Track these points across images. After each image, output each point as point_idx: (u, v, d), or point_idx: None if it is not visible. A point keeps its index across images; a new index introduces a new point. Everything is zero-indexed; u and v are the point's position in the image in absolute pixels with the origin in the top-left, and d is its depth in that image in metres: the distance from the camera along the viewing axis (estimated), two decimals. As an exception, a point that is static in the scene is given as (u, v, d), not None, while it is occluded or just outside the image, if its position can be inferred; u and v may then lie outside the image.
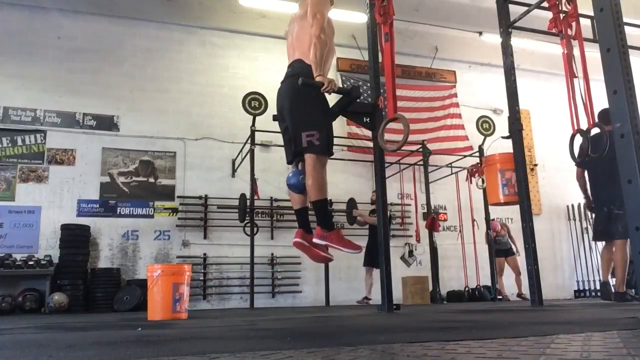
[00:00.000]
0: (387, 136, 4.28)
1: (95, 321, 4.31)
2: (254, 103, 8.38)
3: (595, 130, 4.54)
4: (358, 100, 4.17)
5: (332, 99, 3.79)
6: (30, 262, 7.76)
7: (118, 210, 8.98)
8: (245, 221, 8.47)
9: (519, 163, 5.29)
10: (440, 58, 11.56)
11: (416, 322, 2.95)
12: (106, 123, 9.27)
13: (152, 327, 3.17)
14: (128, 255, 8.85)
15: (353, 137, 9.88)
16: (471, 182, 9.60)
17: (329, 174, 9.43)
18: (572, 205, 11.98)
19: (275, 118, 3.64)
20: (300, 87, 3.21)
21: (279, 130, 3.63)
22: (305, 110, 3.25)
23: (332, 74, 10.57)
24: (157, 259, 8.84)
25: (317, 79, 3.13)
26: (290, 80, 3.34)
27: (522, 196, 5.23)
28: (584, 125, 4.63)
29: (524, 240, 5.24)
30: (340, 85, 9.81)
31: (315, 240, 3.28)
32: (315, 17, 3.26)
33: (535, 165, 11.95)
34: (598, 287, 11.41)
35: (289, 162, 3.54)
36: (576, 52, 4.89)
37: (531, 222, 5.12)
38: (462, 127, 11.21)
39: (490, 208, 9.65)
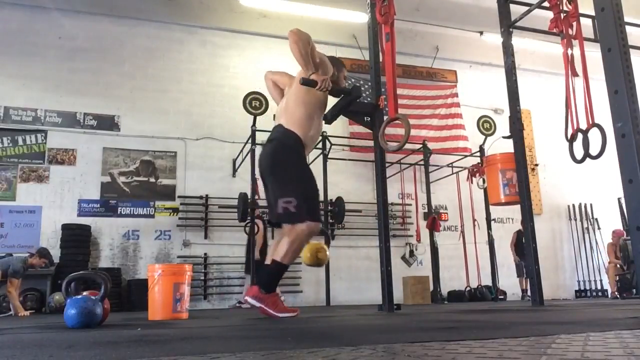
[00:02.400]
0: (387, 137, 4.28)
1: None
2: (254, 103, 8.38)
3: (594, 131, 4.53)
4: (359, 100, 4.16)
5: (332, 98, 3.80)
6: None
7: (119, 210, 8.99)
8: (246, 221, 8.46)
9: (520, 163, 5.29)
10: (441, 58, 11.56)
11: (417, 322, 2.95)
12: (107, 123, 9.27)
13: (153, 327, 3.17)
14: (129, 255, 8.85)
15: (355, 136, 9.87)
16: (472, 182, 9.60)
17: (330, 174, 9.46)
18: (573, 205, 11.98)
19: (260, 175, 3.54)
20: (280, 152, 3.15)
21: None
22: (281, 176, 3.17)
23: (333, 73, 10.56)
24: (158, 259, 8.85)
25: (312, 77, 3.09)
26: (269, 145, 3.29)
27: (523, 196, 5.23)
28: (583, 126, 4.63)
29: (525, 240, 5.24)
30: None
31: (248, 298, 3.14)
32: (291, 34, 3.18)
33: (536, 165, 11.94)
34: (599, 287, 11.43)
35: (268, 222, 3.43)
36: (577, 51, 4.88)
37: (532, 222, 5.12)
38: (462, 127, 11.21)
39: (491, 208, 9.65)
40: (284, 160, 3.18)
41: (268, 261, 3.25)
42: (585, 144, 4.61)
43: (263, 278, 3.16)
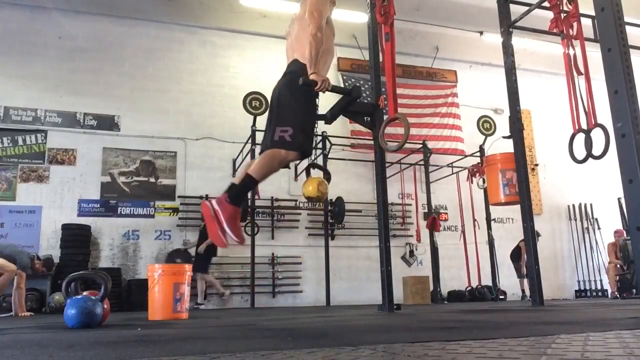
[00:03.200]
0: (387, 136, 4.28)
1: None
2: (254, 103, 8.39)
3: (597, 130, 4.53)
4: (359, 100, 4.16)
5: (333, 98, 3.79)
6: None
7: (119, 210, 8.98)
8: (246, 221, 8.47)
9: (520, 163, 5.29)
10: (441, 58, 11.55)
11: (417, 322, 2.95)
12: (107, 123, 9.27)
13: (153, 327, 3.17)
14: (129, 255, 8.85)
15: (357, 135, 9.85)
16: (472, 182, 9.60)
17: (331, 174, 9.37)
18: (573, 205, 11.97)
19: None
20: (292, 85, 3.19)
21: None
22: (285, 107, 3.20)
23: (333, 73, 10.57)
24: (158, 259, 8.84)
25: (311, 77, 3.11)
26: (284, 78, 3.33)
27: (523, 196, 5.23)
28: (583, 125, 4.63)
29: (525, 240, 5.25)
30: (342, 85, 9.89)
31: (212, 201, 3.01)
32: (312, 15, 3.24)
33: (536, 165, 11.94)
34: (599, 287, 11.43)
35: (262, 149, 3.39)
36: (577, 51, 4.88)
37: (532, 222, 5.12)
38: (459, 128, 11.20)
39: (491, 208, 9.66)
40: (293, 92, 3.19)
41: (239, 178, 3.16)
42: (588, 144, 4.61)
43: (233, 188, 3.06)
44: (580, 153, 4.71)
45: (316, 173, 3.67)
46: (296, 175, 8.77)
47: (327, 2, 3.44)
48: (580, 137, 4.71)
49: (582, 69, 4.73)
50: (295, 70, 3.27)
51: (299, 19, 3.43)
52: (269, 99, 3.46)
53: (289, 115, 3.16)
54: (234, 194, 3.01)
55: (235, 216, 2.98)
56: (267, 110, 3.47)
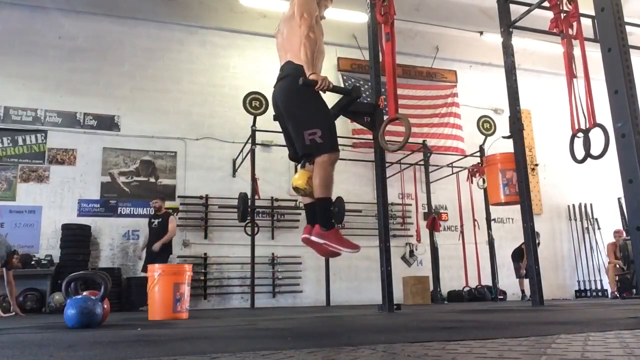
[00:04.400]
0: (387, 136, 4.28)
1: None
2: (254, 103, 8.39)
3: (596, 130, 4.54)
4: (359, 100, 4.16)
5: (332, 98, 3.79)
6: (31, 262, 7.76)
7: (119, 210, 8.98)
8: (246, 221, 8.47)
9: (520, 163, 5.29)
10: (441, 58, 11.55)
11: (417, 322, 2.95)
12: (107, 123, 9.27)
13: (153, 327, 3.17)
14: (129, 255, 8.85)
15: (358, 133, 9.84)
16: (472, 182, 9.60)
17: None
18: (573, 205, 11.97)
19: (275, 118, 3.61)
20: (294, 87, 3.19)
21: (279, 130, 3.62)
22: (303, 110, 3.21)
23: (333, 73, 10.57)
24: (158, 259, 8.83)
25: (311, 77, 3.11)
26: (282, 82, 3.32)
27: (523, 196, 5.24)
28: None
29: (525, 240, 5.25)
30: (342, 85, 9.89)
31: (313, 238, 3.23)
32: (302, 16, 3.24)
33: (536, 165, 11.94)
34: (599, 287, 11.43)
35: (290, 158, 3.47)
36: (577, 51, 4.89)
37: (532, 222, 5.12)
38: (460, 127, 11.20)
39: (491, 208, 9.65)
40: (302, 94, 3.20)
41: (309, 201, 3.35)
42: (586, 144, 4.62)
43: (318, 217, 3.23)
44: (580, 153, 4.71)
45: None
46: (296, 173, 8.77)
47: (315, 2, 3.42)
48: (580, 137, 4.72)
49: (580, 71, 4.73)
50: (292, 73, 3.27)
51: (288, 18, 3.43)
52: (269, 99, 3.45)
53: (312, 117, 3.18)
54: (324, 222, 3.21)
55: (339, 235, 3.25)
56: (276, 117, 3.45)
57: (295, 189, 3.40)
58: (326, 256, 3.32)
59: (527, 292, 7.93)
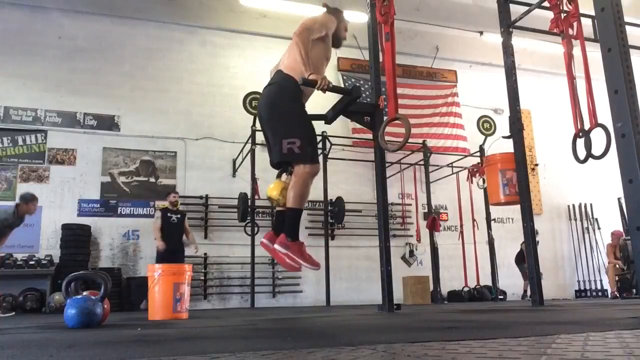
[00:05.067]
0: (387, 136, 4.28)
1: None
2: (254, 103, 8.39)
3: (596, 130, 4.53)
4: (359, 100, 4.16)
5: (333, 98, 3.80)
6: (31, 262, 7.77)
7: (119, 210, 8.98)
8: (246, 221, 8.47)
9: (520, 163, 5.29)
10: (441, 58, 11.55)
11: (417, 322, 2.95)
12: (107, 123, 9.27)
13: (153, 327, 3.17)
14: (129, 255, 8.85)
15: (358, 132, 9.84)
16: (472, 182, 9.60)
17: (330, 174, 9.41)
18: (573, 205, 11.97)
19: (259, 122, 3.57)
20: (279, 95, 3.18)
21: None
22: (283, 118, 3.19)
23: (333, 73, 10.57)
24: (158, 259, 8.84)
25: (310, 77, 3.11)
26: (268, 88, 3.32)
27: (523, 196, 5.23)
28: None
29: (525, 240, 5.25)
30: (342, 85, 9.89)
31: (276, 246, 3.16)
32: (304, 20, 3.27)
33: (536, 165, 11.94)
34: (599, 287, 11.43)
35: (272, 165, 3.43)
36: (577, 51, 4.89)
37: (532, 222, 5.12)
38: (462, 127, 11.21)
39: (491, 208, 9.65)
40: (284, 103, 3.20)
41: (281, 208, 3.32)
42: (588, 144, 4.61)
43: (285, 226, 3.18)
44: (581, 153, 4.71)
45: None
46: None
47: (328, 18, 3.42)
48: (582, 137, 4.72)
49: (580, 71, 4.73)
50: (279, 81, 3.26)
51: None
52: (272, 76, 3.44)
53: (292, 126, 3.16)
54: (290, 232, 3.14)
55: (302, 249, 3.15)
56: (259, 122, 3.44)
57: (269, 198, 3.41)
58: (284, 267, 3.26)
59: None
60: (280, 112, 3.21)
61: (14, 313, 6.73)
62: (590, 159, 4.66)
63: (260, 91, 3.42)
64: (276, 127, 3.20)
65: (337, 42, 3.64)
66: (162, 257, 7.12)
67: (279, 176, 3.44)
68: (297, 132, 3.13)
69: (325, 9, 3.61)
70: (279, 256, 3.19)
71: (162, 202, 8.04)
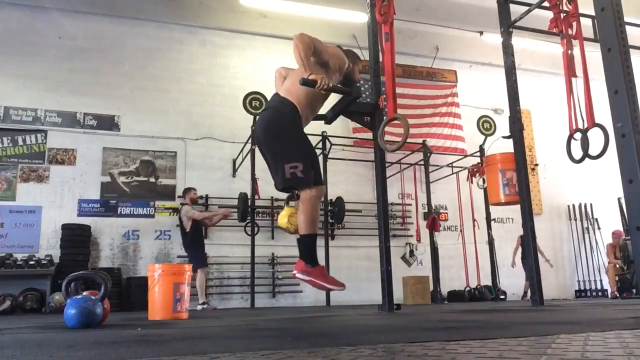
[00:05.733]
0: (387, 136, 4.28)
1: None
2: (254, 103, 8.39)
3: (594, 130, 4.53)
4: (359, 100, 4.16)
5: (333, 98, 3.80)
6: (31, 262, 7.76)
7: (119, 210, 8.98)
8: (246, 221, 8.46)
9: (520, 163, 5.29)
10: (441, 58, 11.55)
11: (417, 322, 2.95)
12: (107, 123, 9.27)
13: (153, 327, 3.17)
14: (129, 255, 8.85)
15: (358, 131, 9.83)
16: (472, 182, 9.60)
17: (330, 174, 9.43)
18: (573, 205, 11.97)
19: (258, 147, 3.55)
20: (277, 119, 3.17)
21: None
22: (283, 142, 3.17)
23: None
24: (158, 259, 8.84)
25: (310, 77, 3.10)
26: (265, 113, 3.30)
27: (523, 196, 5.23)
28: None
29: (525, 240, 5.24)
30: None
31: (297, 274, 3.19)
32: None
33: (536, 165, 11.94)
34: (599, 287, 11.43)
35: (278, 190, 3.40)
36: (577, 51, 4.89)
37: (532, 222, 5.12)
38: (460, 127, 11.20)
39: (491, 208, 9.65)
40: (283, 128, 3.18)
41: (300, 238, 3.31)
42: (585, 144, 4.62)
43: (302, 253, 3.22)
44: (578, 153, 4.72)
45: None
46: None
47: (324, 47, 3.35)
48: (578, 137, 4.72)
49: (579, 70, 4.73)
50: (275, 105, 3.24)
51: (295, 72, 3.40)
52: (269, 100, 3.43)
53: (293, 150, 3.14)
54: (307, 259, 3.19)
55: (324, 272, 3.26)
56: (259, 147, 3.42)
57: (281, 228, 3.41)
58: (321, 289, 3.30)
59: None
60: (279, 137, 3.18)
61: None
62: (588, 159, 4.66)
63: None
64: (277, 152, 3.18)
65: (348, 83, 3.63)
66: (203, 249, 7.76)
67: (287, 202, 3.43)
68: (298, 156, 3.11)
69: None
70: (314, 283, 3.24)
71: (183, 201, 8.04)
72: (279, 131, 3.19)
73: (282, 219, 3.34)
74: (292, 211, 3.29)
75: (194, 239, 7.70)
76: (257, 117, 3.39)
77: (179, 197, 9.20)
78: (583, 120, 4.67)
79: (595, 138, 4.51)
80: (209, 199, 9.40)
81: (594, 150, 4.52)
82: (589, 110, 4.58)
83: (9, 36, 9.05)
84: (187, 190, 8.05)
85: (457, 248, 10.20)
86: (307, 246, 3.20)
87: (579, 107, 4.66)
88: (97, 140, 9.13)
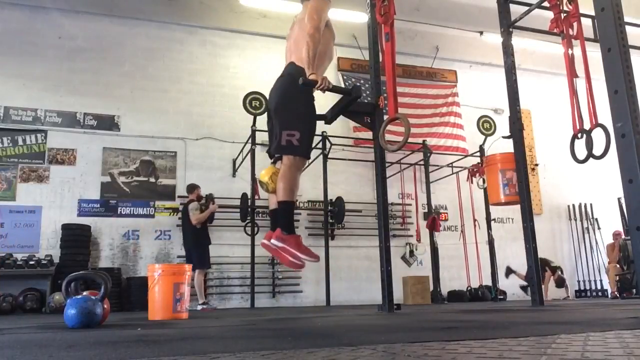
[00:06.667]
0: (387, 136, 4.28)
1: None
2: (254, 103, 8.39)
3: (597, 131, 4.53)
4: (359, 100, 4.16)
5: (333, 98, 3.79)
6: (31, 262, 7.76)
7: (119, 210, 8.98)
8: (246, 221, 8.46)
9: (520, 163, 5.29)
10: (441, 58, 11.55)
11: (417, 322, 2.95)
12: (107, 123, 9.27)
13: (153, 327, 3.17)
14: (129, 255, 8.85)
15: (358, 130, 9.83)
16: (472, 182, 9.60)
17: (330, 174, 9.41)
18: (573, 205, 11.97)
19: (267, 113, 3.63)
20: (290, 87, 3.21)
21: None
22: (289, 110, 3.24)
23: (333, 73, 10.56)
24: (158, 259, 8.84)
25: (311, 77, 3.12)
26: (280, 80, 3.35)
27: (523, 196, 5.24)
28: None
29: (525, 240, 5.24)
30: (342, 85, 9.89)
31: (273, 241, 3.17)
32: (312, 17, 3.26)
33: (536, 165, 11.95)
34: (599, 287, 11.43)
35: (268, 153, 3.47)
36: (577, 51, 4.89)
37: (532, 222, 5.12)
38: (461, 127, 11.21)
39: (491, 208, 9.65)
40: (294, 95, 3.23)
41: (273, 206, 3.32)
42: (589, 144, 4.61)
43: (279, 220, 3.21)
44: (581, 153, 4.72)
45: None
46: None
47: (328, 6, 3.43)
48: (582, 137, 4.72)
49: (580, 71, 4.73)
50: (292, 73, 3.29)
51: (299, 21, 3.44)
52: (285, 69, 3.45)
53: (295, 119, 3.21)
54: (285, 225, 3.16)
55: (299, 242, 3.17)
56: (267, 113, 3.49)
57: (260, 183, 3.45)
58: (288, 266, 3.26)
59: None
60: (288, 104, 3.25)
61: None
62: (590, 159, 4.66)
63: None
64: (281, 118, 3.24)
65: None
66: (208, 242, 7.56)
67: (274, 162, 3.47)
68: (299, 125, 3.18)
69: None
70: (280, 255, 3.19)
71: (190, 197, 7.79)
72: (289, 98, 3.25)
73: (265, 175, 3.37)
74: (276, 170, 3.33)
75: (202, 239, 7.46)
76: (274, 84, 3.42)
77: (179, 197, 9.23)
78: (583, 121, 4.67)
79: (598, 138, 4.51)
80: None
81: (596, 150, 4.52)
82: (593, 111, 4.58)
83: (9, 36, 9.05)
84: (196, 187, 7.71)
85: (457, 248, 10.20)
86: (285, 213, 3.20)
87: (583, 107, 4.66)
88: (97, 140, 9.13)
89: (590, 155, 4.60)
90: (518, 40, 8.08)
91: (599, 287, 11.46)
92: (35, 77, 9.02)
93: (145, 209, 9.12)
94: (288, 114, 3.23)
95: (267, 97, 3.49)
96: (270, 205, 3.43)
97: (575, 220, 11.96)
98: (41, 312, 7.46)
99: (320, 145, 8.69)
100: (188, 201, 7.67)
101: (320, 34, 3.23)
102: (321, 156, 8.88)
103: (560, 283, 10.18)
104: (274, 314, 5.20)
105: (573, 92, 4.76)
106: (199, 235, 7.42)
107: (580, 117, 4.74)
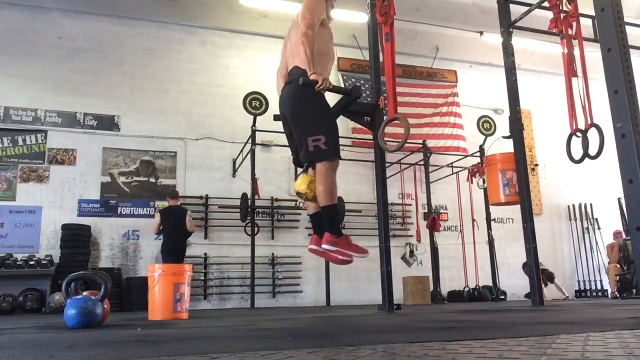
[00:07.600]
0: (387, 136, 4.28)
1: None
2: (254, 103, 8.39)
3: (592, 131, 4.54)
4: (359, 100, 4.16)
5: (332, 98, 3.80)
6: (31, 262, 7.76)
7: (119, 210, 8.98)
8: (246, 221, 8.46)
9: (520, 163, 5.29)
10: (441, 58, 11.55)
11: (417, 322, 2.95)
12: (107, 123, 9.27)
13: (153, 327, 3.17)
14: (129, 255, 8.85)
15: (357, 132, 9.83)
16: (472, 182, 9.60)
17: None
18: (573, 205, 11.97)
19: (276, 118, 3.61)
20: (301, 92, 3.19)
21: (280, 130, 3.62)
22: (307, 116, 3.22)
23: (333, 73, 10.56)
24: (158, 259, 8.82)
25: (311, 77, 3.11)
26: (289, 86, 3.32)
27: (523, 196, 5.24)
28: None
29: (525, 240, 5.25)
30: (342, 85, 9.89)
31: (324, 246, 3.19)
32: (304, 16, 3.24)
33: (536, 165, 11.94)
34: (599, 287, 11.43)
35: (295, 164, 3.46)
36: (577, 51, 4.89)
37: (532, 222, 5.12)
38: (461, 126, 11.21)
39: (491, 208, 9.65)
40: (307, 100, 3.21)
41: (314, 210, 3.33)
42: (585, 144, 4.62)
43: (327, 225, 3.22)
44: (578, 153, 4.73)
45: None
46: (296, 176, 8.77)
47: (321, 4, 3.40)
48: (579, 136, 4.73)
49: (578, 70, 4.74)
50: (298, 77, 3.27)
51: (296, 23, 3.42)
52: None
53: (317, 124, 3.19)
54: (333, 229, 3.19)
55: (349, 241, 3.20)
56: (281, 121, 3.44)
57: (298, 194, 3.39)
58: (337, 263, 3.30)
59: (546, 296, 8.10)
60: (304, 109, 3.23)
61: None
62: (588, 159, 4.67)
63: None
64: (301, 125, 3.22)
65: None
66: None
67: (305, 170, 3.43)
68: (321, 128, 3.16)
69: None
70: (330, 256, 3.23)
71: (176, 203, 7.72)
72: (303, 103, 3.23)
73: (301, 185, 3.32)
74: (311, 178, 3.30)
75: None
76: (281, 91, 3.38)
77: (180, 197, 9.22)
78: (577, 120, 4.68)
79: (595, 138, 4.51)
80: (209, 199, 9.40)
81: (592, 150, 4.52)
82: (588, 110, 4.59)
83: (9, 36, 9.05)
84: (178, 194, 7.76)
85: (457, 248, 10.20)
86: (330, 216, 3.22)
87: (576, 107, 4.67)
88: (97, 140, 9.13)
89: (585, 155, 4.60)
90: (518, 40, 8.07)
91: (599, 287, 11.46)
92: (35, 77, 9.02)
93: (145, 209, 9.12)
94: (307, 120, 3.20)
95: (278, 104, 3.44)
96: (309, 210, 3.42)
97: (575, 220, 11.96)
98: (41, 312, 7.46)
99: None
100: (176, 206, 7.50)
101: (313, 32, 3.21)
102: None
103: (550, 277, 10.08)
104: (274, 314, 5.20)
105: (570, 92, 4.76)
106: (186, 240, 7.41)
107: (576, 117, 4.75)
